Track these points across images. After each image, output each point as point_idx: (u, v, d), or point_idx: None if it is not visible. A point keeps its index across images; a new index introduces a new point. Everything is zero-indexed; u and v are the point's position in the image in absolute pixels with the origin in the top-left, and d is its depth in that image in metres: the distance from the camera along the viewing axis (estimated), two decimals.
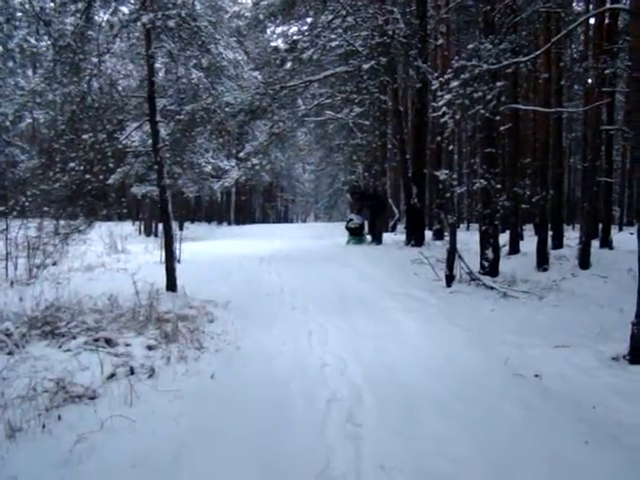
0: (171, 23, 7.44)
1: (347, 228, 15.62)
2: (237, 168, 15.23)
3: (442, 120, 8.35)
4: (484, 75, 7.76)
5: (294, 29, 17.56)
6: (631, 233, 20.20)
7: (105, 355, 4.96)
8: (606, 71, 10.39)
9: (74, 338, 5.36)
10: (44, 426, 3.56)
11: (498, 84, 7.95)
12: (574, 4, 18.11)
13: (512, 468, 3.32)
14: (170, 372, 4.83)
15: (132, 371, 4.70)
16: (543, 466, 3.36)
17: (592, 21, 12.28)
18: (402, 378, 5.07)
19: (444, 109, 8.44)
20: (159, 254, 13.51)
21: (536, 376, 5.15)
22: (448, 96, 7.72)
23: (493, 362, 5.58)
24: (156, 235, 25.26)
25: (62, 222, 8.44)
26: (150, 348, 5.43)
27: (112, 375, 4.58)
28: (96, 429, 3.56)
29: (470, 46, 8.08)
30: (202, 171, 22.98)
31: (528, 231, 18.27)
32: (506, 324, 7.31)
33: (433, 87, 9.65)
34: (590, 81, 12.69)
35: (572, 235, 15.80)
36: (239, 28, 20.78)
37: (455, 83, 7.60)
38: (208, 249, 16.10)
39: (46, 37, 9.03)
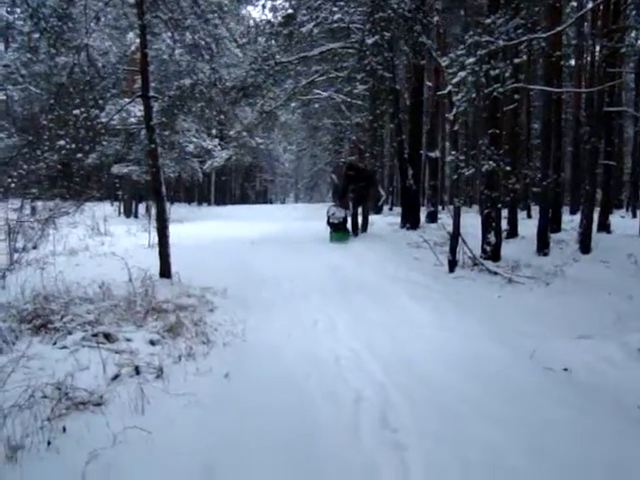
0: None
1: (329, 224, 13.49)
2: (226, 148, 14.71)
3: (455, 99, 7.98)
4: (499, 52, 7.38)
5: (283, 2, 16.84)
6: (622, 216, 20.26)
7: (105, 352, 4.52)
8: (622, 50, 10.10)
9: (70, 333, 4.91)
10: (49, 442, 3.12)
11: (516, 61, 7.60)
12: None
13: None
14: (179, 371, 4.40)
15: (137, 371, 4.28)
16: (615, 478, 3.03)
17: None
18: (424, 373, 4.73)
19: (450, 87, 8.06)
20: (145, 237, 13.03)
21: (565, 370, 4.87)
22: (463, 73, 7.32)
23: (517, 355, 5.28)
24: (136, 216, 24.62)
25: (51, 203, 7.93)
26: (153, 343, 5.00)
27: (116, 376, 4.15)
28: (108, 444, 3.13)
29: (488, 21, 7.66)
30: (184, 151, 22.50)
31: (521, 213, 18.09)
32: (517, 312, 7.05)
33: (444, 63, 9.23)
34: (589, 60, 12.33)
35: (565, 218, 15.64)
36: (218, 4, 20.05)
37: (471, 60, 7.20)
38: (194, 232, 15.57)
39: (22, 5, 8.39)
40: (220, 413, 3.76)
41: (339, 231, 13.25)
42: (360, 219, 14.05)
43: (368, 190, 14.11)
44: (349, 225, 13.67)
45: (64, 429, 3.32)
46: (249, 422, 3.63)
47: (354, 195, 13.82)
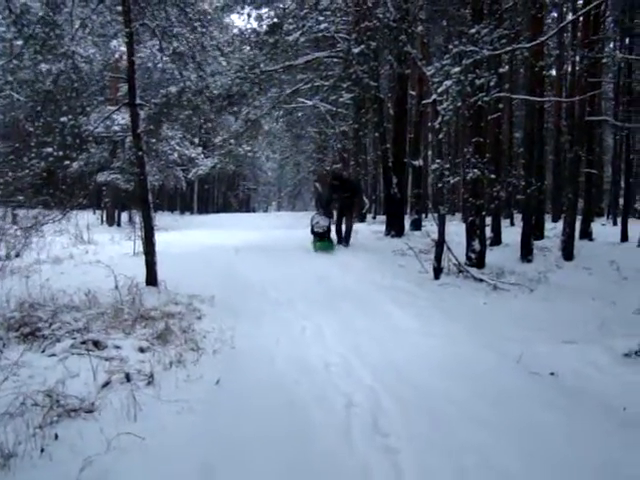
0: None
1: (313, 233, 13.15)
2: (210, 156, 14.68)
3: (440, 107, 8.06)
4: (483, 61, 7.49)
5: (268, 12, 16.92)
6: (603, 224, 20.55)
7: (95, 360, 4.49)
8: (602, 60, 10.31)
9: (58, 341, 4.88)
10: (42, 449, 3.10)
11: (500, 70, 7.72)
12: None
13: None
14: (170, 378, 4.38)
15: (128, 378, 4.26)
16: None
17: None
18: (413, 379, 4.75)
19: (435, 96, 8.15)
20: (129, 245, 12.96)
21: (552, 374, 4.93)
22: (448, 82, 7.42)
23: (504, 360, 5.33)
24: (119, 225, 24.46)
25: (33, 212, 7.87)
26: (142, 350, 4.99)
27: (107, 383, 4.13)
28: (102, 451, 3.12)
29: (472, 31, 7.77)
30: (168, 159, 22.44)
31: (504, 221, 18.25)
32: (503, 318, 7.12)
33: (429, 73, 9.34)
34: (569, 70, 12.53)
35: (548, 226, 15.82)
36: (204, 12, 20.07)
37: (456, 69, 7.30)
38: (179, 240, 15.49)
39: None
40: (213, 419, 3.76)
41: (323, 240, 12.95)
42: (344, 229, 13.64)
43: (353, 200, 13.75)
44: (333, 235, 13.39)
45: (56, 436, 3.29)
46: (243, 427, 3.64)
47: (339, 205, 13.54)
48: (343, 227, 13.60)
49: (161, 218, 29.93)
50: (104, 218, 26.61)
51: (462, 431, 3.67)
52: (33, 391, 3.72)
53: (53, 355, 4.64)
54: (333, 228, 13.40)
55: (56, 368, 4.35)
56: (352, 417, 3.89)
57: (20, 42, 7.69)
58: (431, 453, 3.36)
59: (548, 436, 3.62)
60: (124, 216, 25.21)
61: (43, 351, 4.75)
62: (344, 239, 13.48)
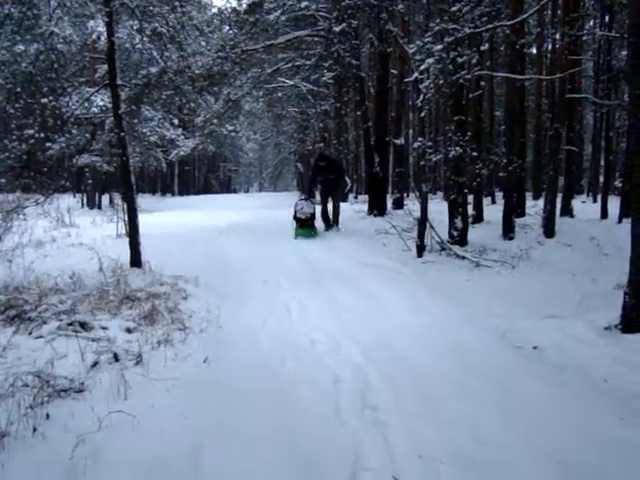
0: None
1: (296, 219, 12.44)
2: (191, 137, 14.58)
3: (422, 86, 8.07)
4: (465, 39, 7.50)
5: None
6: (583, 202, 20.75)
7: (83, 341, 4.50)
8: (583, 37, 10.37)
9: (45, 323, 4.86)
10: (35, 429, 3.11)
11: (482, 48, 7.73)
12: None
13: (559, 449, 3.10)
14: (158, 357, 4.41)
15: (116, 358, 4.27)
16: (590, 445, 3.15)
17: None
18: (401, 354, 4.82)
19: (417, 74, 8.16)
20: (111, 228, 12.90)
21: (534, 348, 5.04)
22: (430, 60, 7.42)
23: (488, 335, 5.44)
24: (100, 207, 24.27)
25: (11, 196, 7.77)
26: (129, 331, 5.00)
27: (95, 363, 4.14)
28: (94, 429, 3.13)
29: (454, 8, 7.75)
30: (148, 141, 22.22)
31: (485, 199, 18.35)
32: (486, 294, 7.19)
33: (410, 51, 9.32)
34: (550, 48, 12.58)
35: (529, 203, 15.95)
36: None
37: (438, 47, 7.30)
38: (161, 222, 15.44)
39: None
40: (202, 396, 3.79)
41: (306, 227, 12.36)
42: (331, 211, 13.15)
43: (338, 181, 13.22)
44: (318, 222, 12.83)
45: (47, 416, 3.31)
46: (232, 405, 3.67)
47: (324, 187, 13.06)
48: (330, 209, 13.17)
49: (142, 200, 29.56)
50: (84, 201, 26.36)
51: (449, 403, 3.75)
52: (22, 372, 3.72)
53: (40, 337, 4.63)
54: (318, 213, 12.91)
55: (44, 350, 4.35)
56: (340, 392, 3.94)
57: None
58: (421, 425, 3.42)
59: (537, 407, 3.71)
60: (105, 199, 24.99)
61: (30, 333, 4.74)
62: (334, 221, 13.07)
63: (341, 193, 13.03)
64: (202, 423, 3.37)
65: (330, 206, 13.15)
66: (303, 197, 13.16)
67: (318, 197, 13.40)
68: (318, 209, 12.94)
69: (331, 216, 13.17)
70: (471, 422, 3.44)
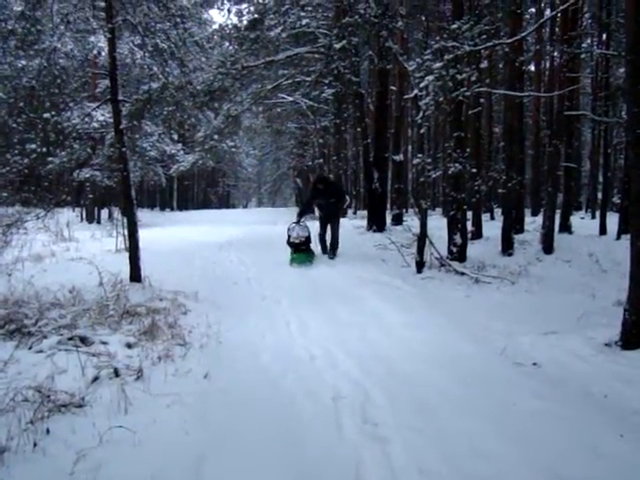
0: None
1: (289, 244, 11.49)
2: (190, 152, 14.63)
3: (422, 102, 8.13)
4: (464, 57, 7.57)
5: (248, 7, 16.90)
6: (581, 218, 20.81)
7: (83, 356, 4.49)
8: (581, 55, 10.46)
9: (45, 337, 4.87)
10: (35, 444, 3.11)
11: (481, 65, 7.81)
12: None
13: (558, 465, 3.11)
14: (159, 373, 4.41)
15: (117, 373, 4.27)
16: (590, 461, 3.16)
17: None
18: (400, 370, 4.82)
19: (416, 91, 8.22)
20: (111, 242, 12.91)
21: (534, 364, 5.04)
22: (430, 77, 7.49)
23: (488, 351, 5.44)
24: (99, 222, 24.28)
25: (11, 210, 7.78)
26: (130, 346, 5.00)
27: (96, 378, 4.14)
28: (94, 444, 3.14)
29: (453, 26, 7.84)
30: (148, 156, 22.30)
31: (484, 216, 18.40)
32: (485, 311, 7.20)
33: (410, 68, 9.41)
34: (548, 65, 12.67)
35: (527, 219, 16.00)
36: (184, 8, 19.97)
37: (438, 64, 7.37)
38: (161, 237, 15.46)
39: None
40: (203, 412, 3.79)
41: (301, 252, 11.30)
42: (329, 238, 11.89)
43: (338, 205, 12.07)
44: (314, 245, 11.71)
45: (48, 431, 3.30)
46: (235, 420, 3.67)
47: (322, 213, 12.03)
48: (328, 236, 11.99)
49: (142, 215, 29.72)
50: (84, 215, 26.36)
51: (449, 419, 3.75)
52: (22, 387, 3.72)
53: (40, 351, 4.63)
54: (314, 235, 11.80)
55: (44, 364, 4.35)
56: (340, 408, 3.94)
57: None
58: (421, 440, 3.42)
59: (532, 422, 3.71)
60: (104, 213, 25.03)
61: (30, 348, 4.74)
62: (330, 251, 11.79)
63: (339, 223, 11.86)
64: (203, 438, 3.37)
65: (328, 235, 11.97)
66: (295, 221, 12.26)
67: (317, 212, 12.60)
68: (313, 229, 11.91)
69: (328, 244, 11.93)
70: (471, 437, 3.45)
